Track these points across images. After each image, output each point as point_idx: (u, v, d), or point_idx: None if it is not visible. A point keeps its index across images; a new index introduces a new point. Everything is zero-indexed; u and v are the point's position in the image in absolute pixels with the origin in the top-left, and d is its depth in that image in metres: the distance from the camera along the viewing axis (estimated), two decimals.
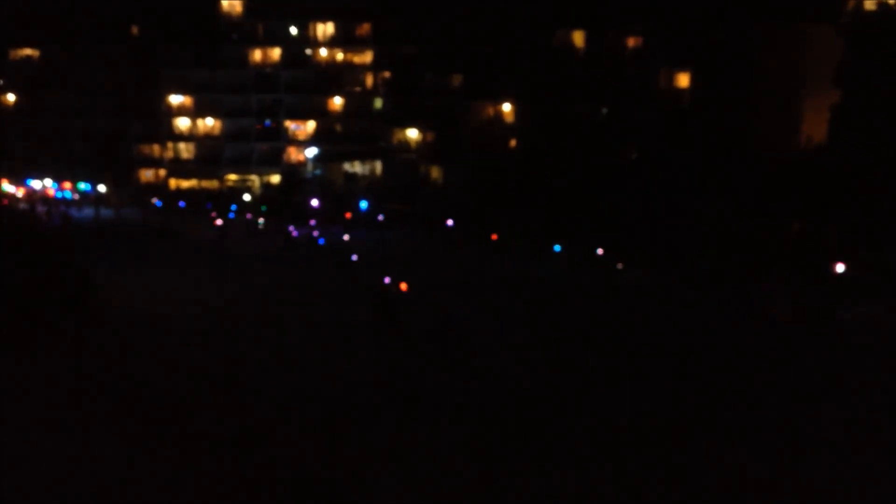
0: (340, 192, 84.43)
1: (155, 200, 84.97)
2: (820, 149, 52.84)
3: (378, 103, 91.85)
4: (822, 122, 55.71)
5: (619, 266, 47.50)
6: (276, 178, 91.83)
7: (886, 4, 49.98)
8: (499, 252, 55.71)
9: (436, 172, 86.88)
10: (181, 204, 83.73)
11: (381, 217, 71.52)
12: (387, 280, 36.46)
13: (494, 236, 60.39)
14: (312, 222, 70.02)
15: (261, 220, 75.51)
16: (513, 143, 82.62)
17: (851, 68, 49.16)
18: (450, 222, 65.64)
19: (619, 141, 69.87)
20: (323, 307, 36.02)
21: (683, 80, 72.32)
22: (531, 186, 67.68)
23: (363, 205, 77.35)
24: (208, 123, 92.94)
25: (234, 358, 26.02)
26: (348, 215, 72.99)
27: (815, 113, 57.67)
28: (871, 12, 51.70)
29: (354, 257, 50.91)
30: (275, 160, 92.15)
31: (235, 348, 27.47)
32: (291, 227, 68.42)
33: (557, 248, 53.65)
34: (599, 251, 50.66)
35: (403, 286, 36.20)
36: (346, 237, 61.03)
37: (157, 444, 16.69)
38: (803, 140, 57.50)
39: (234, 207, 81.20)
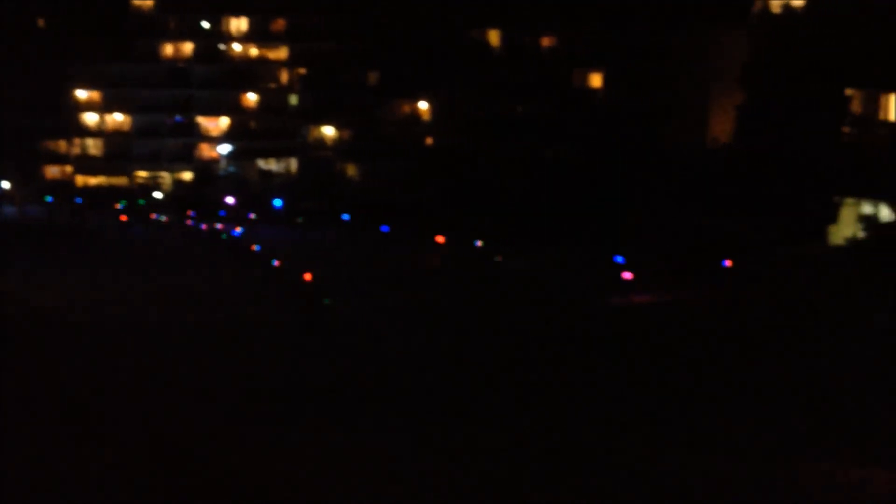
0: (255, 190, 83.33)
1: (75, 198, 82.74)
2: (725, 148, 53.75)
3: (294, 100, 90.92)
4: (730, 122, 56.74)
5: (498, 258, 49.17)
6: (188, 175, 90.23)
7: (790, 6, 50.96)
8: (402, 247, 56.36)
9: (352, 170, 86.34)
10: (77, 200, 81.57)
11: (295, 215, 70.83)
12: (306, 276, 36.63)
13: (385, 229, 61.17)
14: (220, 225, 68.85)
15: (163, 217, 74.09)
16: (430, 140, 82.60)
17: (755, 69, 50.03)
18: (346, 216, 65.69)
19: (535, 139, 70.23)
20: (223, 305, 35.32)
21: (597, 80, 73.03)
22: (446, 184, 67.61)
23: (277, 202, 76.43)
24: (118, 119, 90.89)
25: (146, 361, 25.03)
26: (252, 216, 72.07)
27: (722, 114, 58.73)
28: (775, 14, 52.67)
29: (258, 248, 51.13)
30: (187, 157, 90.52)
31: (145, 350, 26.51)
32: (203, 225, 67.32)
33: (437, 238, 55.22)
34: (478, 243, 52.35)
35: (308, 276, 36.53)
36: (238, 231, 60.58)
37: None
38: (710, 141, 58.50)
39: (141, 203, 79.41)
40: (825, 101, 45.57)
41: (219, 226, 65.51)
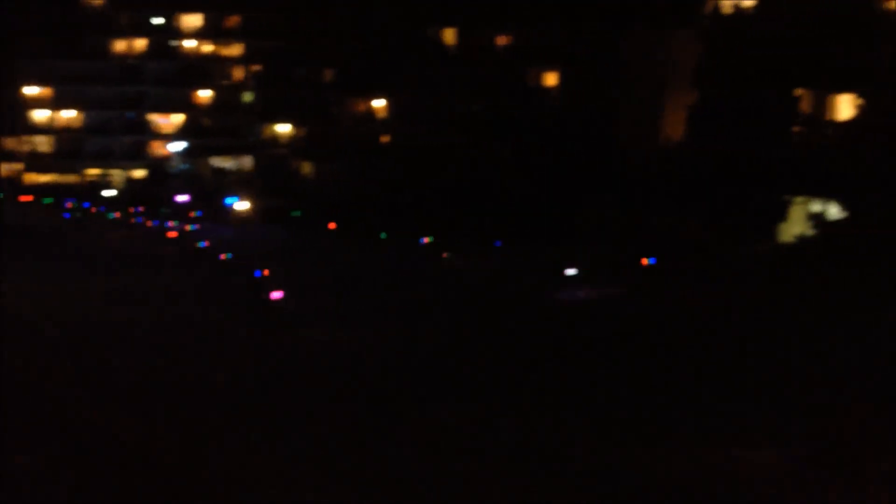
0: (208, 188, 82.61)
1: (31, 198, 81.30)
2: (678, 147, 54.18)
3: (248, 97, 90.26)
4: (683, 121, 57.20)
5: (444, 255, 50.24)
6: (140, 173, 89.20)
7: (740, 7, 51.47)
8: (350, 245, 56.68)
9: (308, 168, 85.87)
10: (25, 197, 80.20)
11: (250, 212, 70.38)
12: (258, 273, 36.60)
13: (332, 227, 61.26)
14: (170, 223, 68.22)
15: (112, 214, 73.23)
16: (386, 139, 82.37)
17: (706, 69, 50.48)
18: (297, 214, 65.73)
19: (490, 138, 70.35)
20: (180, 303, 34.93)
21: (551, 79, 73.29)
22: (401, 182, 67.55)
23: (231, 200, 75.87)
24: (68, 116, 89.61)
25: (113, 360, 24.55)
26: (191, 213, 71.61)
27: (676, 113, 59.19)
28: (726, 15, 53.18)
29: (204, 244, 51.41)
30: (139, 154, 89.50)
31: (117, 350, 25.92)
32: (153, 223, 66.67)
33: (384, 235, 56.05)
34: (424, 240, 53.63)
35: (266, 272, 36.65)
36: (188, 230, 60.42)
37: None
38: (663, 140, 58.93)
39: (86, 205, 78.06)
40: (775, 101, 46.11)
41: (168, 223, 64.98)
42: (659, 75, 62.92)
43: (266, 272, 38.11)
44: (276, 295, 32.21)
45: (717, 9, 54.59)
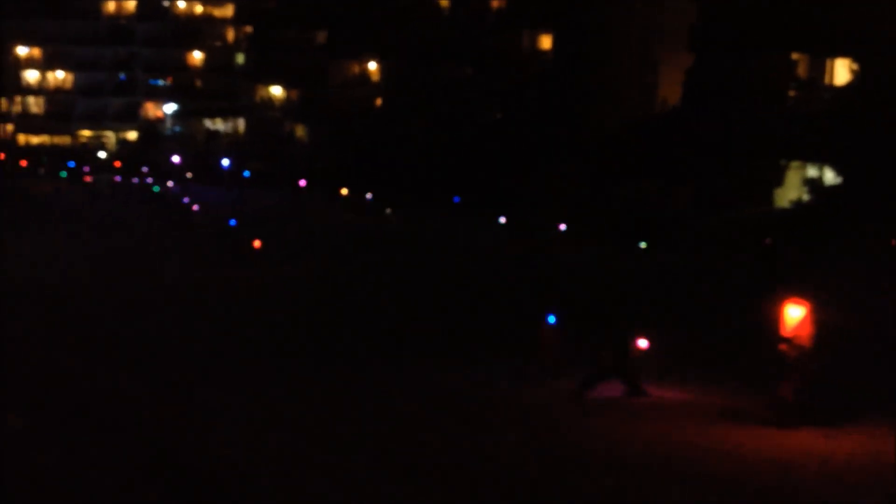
0: (201, 150, 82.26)
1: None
2: (674, 111, 54.05)
3: (240, 59, 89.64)
4: (678, 84, 57.03)
5: (388, 211, 53.44)
6: (133, 135, 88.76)
7: None
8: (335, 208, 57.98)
9: (300, 131, 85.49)
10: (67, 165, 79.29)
11: (244, 175, 70.16)
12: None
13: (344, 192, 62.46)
14: (171, 182, 68.08)
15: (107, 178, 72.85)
16: (378, 102, 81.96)
17: (702, 32, 50.27)
18: (303, 182, 65.61)
19: (484, 102, 70.05)
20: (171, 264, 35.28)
21: (546, 41, 72.90)
22: (390, 145, 67.37)
23: (224, 163, 75.54)
24: (59, 76, 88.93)
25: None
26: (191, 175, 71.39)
27: (671, 76, 59.00)
28: None
29: (196, 208, 51.96)
30: (131, 116, 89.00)
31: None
32: (139, 184, 66.39)
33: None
34: (369, 195, 57.03)
35: (257, 243, 36.56)
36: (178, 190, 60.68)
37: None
38: (659, 103, 58.78)
39: (71, 165, 77.31)
40: (771, 64, 45.99)
41: (168, 185, 64.82)
42: (654, 37, 62.70)
43: (240, 223, 41.09)
44: (256, 244, 35.99)
45: None
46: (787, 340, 14.71)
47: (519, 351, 19.42)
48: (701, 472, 12.48)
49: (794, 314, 14.65)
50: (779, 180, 45.42)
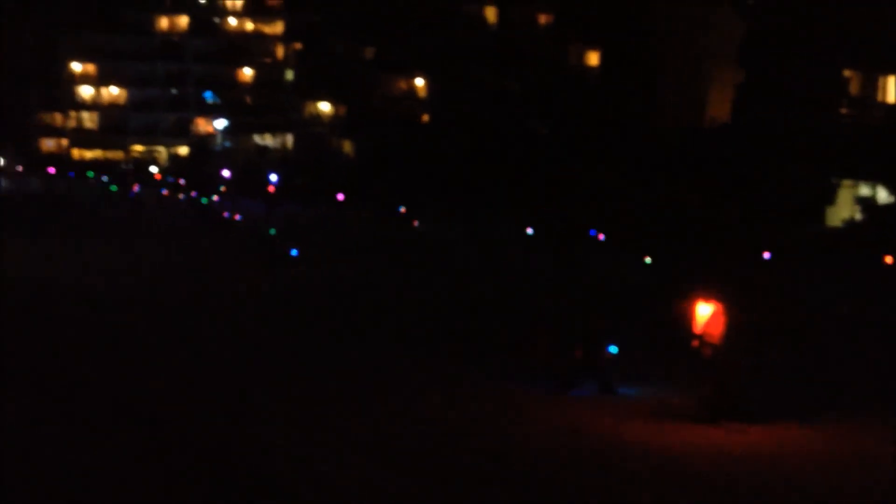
0: (250, 165, 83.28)
1: (104, 176, 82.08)
2: (723, 128, 53.92)
3: (289, 75, 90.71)
4: (727, 101, 56.88)
5: (415, 223, 54.28)
6: (184, 150, 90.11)
7: None
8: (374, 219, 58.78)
9: (348, 147, 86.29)
10: (71, 174, 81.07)
11: (289, 191, 70.96)
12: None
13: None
14: (217, 198, 68.96)
15: (161, 191, 74.03)
16: (425, 117, 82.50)
17: (752, 48, 50.18)
18: (342, 195, 66.39)
19: (530, 117, 70.29)
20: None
21: (593, 57, 73.04)
22: (438, 160, 67.73)
23: (272, 178, 76.39)
24: (113, 92, 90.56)
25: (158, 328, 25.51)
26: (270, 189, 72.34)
27: (721, 92, 58.86)
28: None
29: (238, 217, 54.40)
30: (183, 131, 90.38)
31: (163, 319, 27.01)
32: (193, 199, 67.34)
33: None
34: (402, 209, 57.83)
35: (293, 251, 38.10)
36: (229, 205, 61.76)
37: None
38: (708, 119, 58.63)
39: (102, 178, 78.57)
40: (823, 81, 45.79)
41: (214, 199, 65.72)
42: (701, 54, 62.59)
43: (280, 233, 42.64)
44: (293, 252, 37.91)
45: None
46: (698, 337, 15.39)
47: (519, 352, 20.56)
48: (592, 458, 14.07)
49: (704, 312, 15.32)
50: (831, 198, 45.14)
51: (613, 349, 17.93)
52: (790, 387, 18.53)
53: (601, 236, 43.50)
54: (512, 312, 26.01)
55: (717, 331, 15.40)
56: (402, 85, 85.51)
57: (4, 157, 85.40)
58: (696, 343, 15.53)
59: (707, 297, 15.49)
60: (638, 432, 15.42)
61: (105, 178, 78.92)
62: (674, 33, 62.95)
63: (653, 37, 63.11)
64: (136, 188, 74.53)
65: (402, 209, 58.35)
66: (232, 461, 13.65)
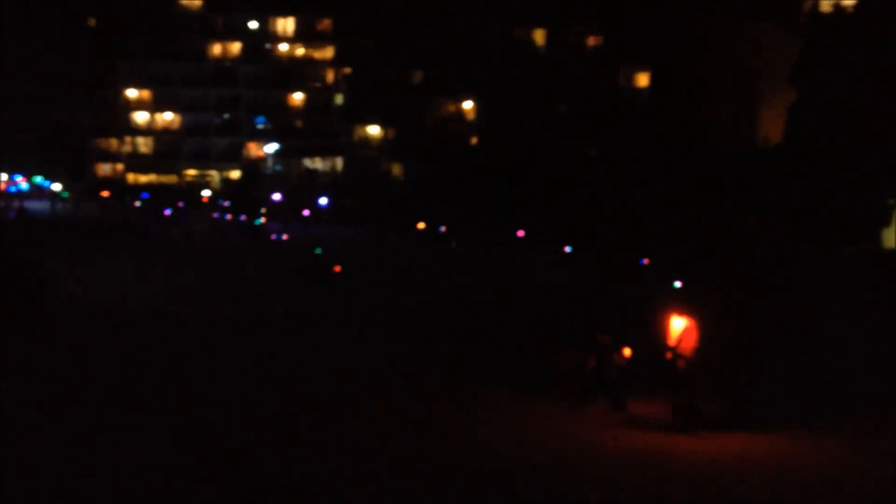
0: (300, 189, 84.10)
1: (141, 195, 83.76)
2: (776, 148, 53.55)
3: (339, 99, 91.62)
4: (780, 120, 56.47)
5: (453, 244, 55.25)
6: (235, 174, 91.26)
7: (841, 7, 50.74)
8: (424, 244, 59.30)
9: (396, 170, 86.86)
10: (143, 196, 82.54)
11: (339, 214, 71.66)
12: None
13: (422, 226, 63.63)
14: (264, 219, 69.69)
15: (215, 215, 74.97)
16: (473, 140, 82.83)
17: (806, 69, 49.86)
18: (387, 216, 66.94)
19: (579, 139, 70.34)
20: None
21: (643, 79, 72.93)
22: (487, 183, 67.94)
23: (322, 201, 77.10)
24: (167, 118, 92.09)
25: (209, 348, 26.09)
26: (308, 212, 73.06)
27: (773, 113, 58.45)
28: (826, 14, 52.48)
29: (285, 238, 55.05)
30: (235, 155, 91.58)
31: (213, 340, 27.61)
32: (243, 221, 68.14)
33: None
34: (443, 229, 58.70)
35: (337, 268, 38.76)
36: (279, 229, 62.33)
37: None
38: (760, 140, 58.26)
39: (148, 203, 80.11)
40: (879, 102, 45.35)
41: (263, 221, 66.49)
42: (752, 74, 62.26)
43: (328, 253, 42.95)
44: (336, 269, 39.13)
45: (815, 7, 53.88)
46: (672, 349, 15.91)
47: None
48: (564, 465, 14.50)
49: (678, 325, 15.91)
50: (886, 220, 44.59)
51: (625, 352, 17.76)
52: (774, 399, 19.26)
53: (646, 261, 43.25)
54: (544, 332, 26.28)
55: (690, 344, 15.89)
56: (451, 108, 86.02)
57: (61, 182, 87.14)
58: (669, 355, 16.00)
59: (681, 312, 16.11)
60: (619, 441, 15.95)
61: (157, 202, 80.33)
62: (725, 53, 62.71)
63: (704, 57, 62.90)
64: (186, 212, 75.70)
65: (443, 229, 59.35)
66: (232, 461, 13.97)
